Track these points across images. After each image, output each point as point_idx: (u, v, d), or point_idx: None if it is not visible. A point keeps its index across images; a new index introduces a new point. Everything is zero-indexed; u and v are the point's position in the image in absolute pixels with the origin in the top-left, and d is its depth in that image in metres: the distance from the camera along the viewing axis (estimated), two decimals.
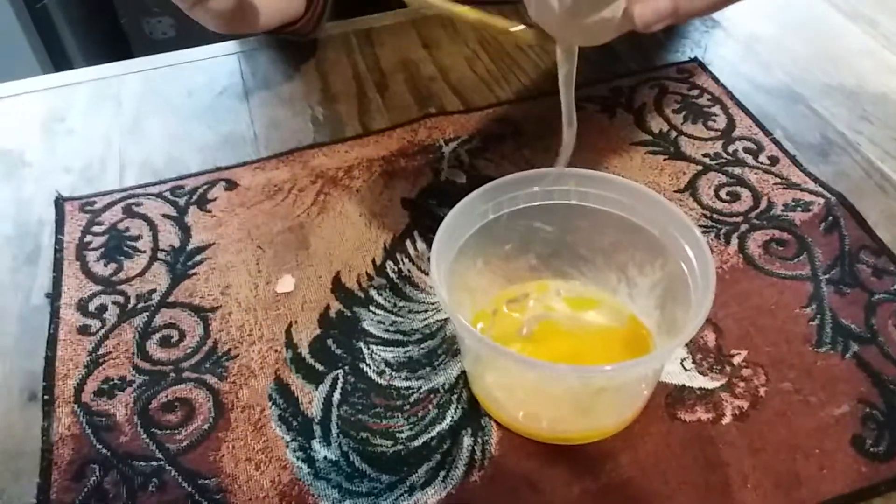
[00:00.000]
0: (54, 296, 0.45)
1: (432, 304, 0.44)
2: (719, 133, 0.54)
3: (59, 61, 1.29)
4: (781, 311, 0.42)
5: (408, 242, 0.48)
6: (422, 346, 0.42)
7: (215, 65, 0.65)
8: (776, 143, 0.53)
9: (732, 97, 0.57)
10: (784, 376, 0.39)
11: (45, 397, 0.40)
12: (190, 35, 0.71)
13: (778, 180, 0.50)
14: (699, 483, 0.36)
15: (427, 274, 0.46)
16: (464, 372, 0.41)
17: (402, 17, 0.69)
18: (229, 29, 0.52)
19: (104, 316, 0.44)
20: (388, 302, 0.44)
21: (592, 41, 0.36)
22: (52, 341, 0.43)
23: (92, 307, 0.45)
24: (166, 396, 0.40)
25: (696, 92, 0.58)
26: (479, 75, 0.62)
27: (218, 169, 0.54)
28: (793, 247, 0.46)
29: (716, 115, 0.56)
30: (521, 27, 0.37)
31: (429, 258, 0.46)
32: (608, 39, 0.35)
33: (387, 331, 0.43)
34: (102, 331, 0.43)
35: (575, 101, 0.39)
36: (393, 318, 0.44)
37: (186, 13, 0.50)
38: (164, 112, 0.60)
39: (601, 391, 0.35)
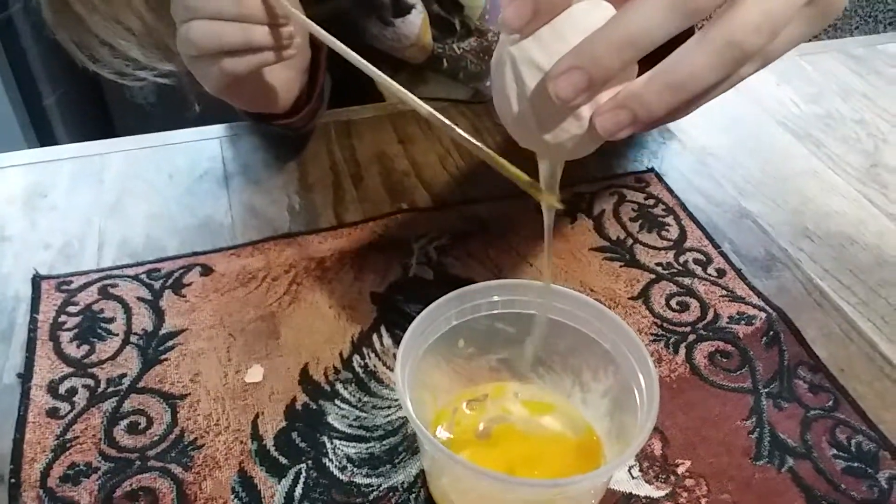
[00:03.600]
0: (26, 377, 0.46)
1: (395, 400, 0.46)
2: (672, 243, 0.58)
3: (36, 116, 1.30)
4: (724, 422, 0.45)
5: (374, 337, 0.50)
6: (383, 442, 0.44)
7: (197, 148, 0.67)
8: (724, 255, 0.56)
9: (685, 208, 0.61)
10: (724, 488, 0.42)
11: (12, 480, 0.41)
12: (172, 101, 0.73)
13: (724, 292, 0.53)
14: None
15: (392, 370, 0.48)
16: (422, 470, 0.42)
17: (380, 111, 0.72)
18: (231, 96, 0.51)
19: (74, 399, 0.45)
20: (353, 396, 0.46)
21: (568, 155, 0.35)
22: (21, 423, 0.44)
23: (62, 390, 0.46)
24: (130, 485, 0.41)
25: (651, 201, 0.62)
26: (450, 173, 0.65)
27: (195, 253, 0.56)
28: (736, 359, 0.49)
29: (669, 226, 0.59)
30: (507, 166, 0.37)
31: (394, 355, 0.48)
32: (585, 152, 0.35)
33: (350, 426, 0.45)
34: (71, 414, 0.44)
35: (537, 204, 0.39)
36: (357, 412, 0.45)
37: (187, 66, 0.49)
38: (145, 193, 0.62)
39: (552, 500, 0.37)
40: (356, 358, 0.49)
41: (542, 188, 0.37)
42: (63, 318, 0.50)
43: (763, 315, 0.52)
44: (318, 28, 0.44)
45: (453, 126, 0.38)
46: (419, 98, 0.39)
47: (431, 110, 0.38)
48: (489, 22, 0.70)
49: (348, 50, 0.42)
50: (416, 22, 0.66)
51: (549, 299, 0.42)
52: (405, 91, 0.39)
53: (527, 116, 0.32)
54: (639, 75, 0.31)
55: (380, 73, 0.40)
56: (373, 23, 0.66)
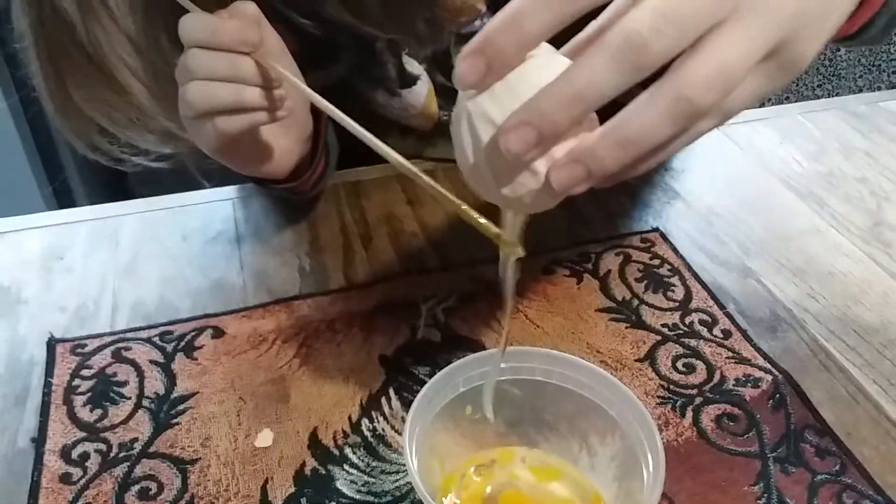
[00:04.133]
0: (39, 441, 0.47)
1: (403, 465, 0.47)
2: (677, 304, 0.58)
3: (52, 172, 1.34)
4: (732, 487, 0.45)
5: (383, 400, 0.51)
6: None
7: (210, 209, 0.69)
8: (729, 316, 0.57)
9: (690, 269, 0.62)
10: None
11: None
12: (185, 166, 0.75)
13: (730, 354, 0.54)
14: None
15: (400, 434, 0.48)
16: None
17: (388, 171, 0.74)
18: (227, 157, 0.52)
19: (86, 464, 0.46)
20: (362, 461, 0.47)
21: (529, 209, 0.35)
22: (34, 489, 0.44)
23: (75, 454, 0.46)
24: None
25: (656, 262, 0.63)
26: (458, 233, 0.66)
27: (206, 316, 0.57)
28: (743, 422, 0.49)
29: (674, 286, 0.60)
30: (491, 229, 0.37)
31: (402, 418, 0.49)
32: (545, 207, 0.34)
33: (359, 491, 0.45)
34: (83, 480, 0.45)
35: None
36: (366, 478, 0.46)
37: (186, 128, 0.50)
38: (158, 254, 0.63)
39: None
40: (365, 421, 0.49)
41: (506, 238, 0.37)
42: (77, 381, 0.51)
43: (769, 377, 0.52)
44: (312, 92, 0.45)
45: (424, 176, 0.39)
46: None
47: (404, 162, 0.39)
48: None
49: (341, 114, 0.43)
50: (421, 92, 0.68)
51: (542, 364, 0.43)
52: (394, 152, 0.40)
53: (483, 170, 0.33)
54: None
55: (372, 137, 0.42)
56: (380, 93, 0.68)
